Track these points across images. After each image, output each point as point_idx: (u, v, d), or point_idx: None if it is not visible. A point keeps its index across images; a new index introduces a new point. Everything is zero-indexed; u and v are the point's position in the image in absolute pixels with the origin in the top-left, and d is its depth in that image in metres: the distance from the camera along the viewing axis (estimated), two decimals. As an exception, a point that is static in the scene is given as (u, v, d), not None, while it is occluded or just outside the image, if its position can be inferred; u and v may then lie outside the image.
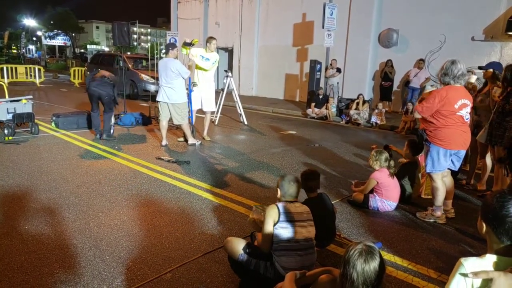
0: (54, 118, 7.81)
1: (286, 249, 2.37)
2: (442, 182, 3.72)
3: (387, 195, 3.99)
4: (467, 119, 3.59)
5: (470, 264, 1.39)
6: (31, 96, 7.40)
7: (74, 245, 3.08)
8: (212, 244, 3.18)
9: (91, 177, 4.81)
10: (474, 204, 4.40)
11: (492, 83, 4.67)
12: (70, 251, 2.98)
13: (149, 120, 8.76)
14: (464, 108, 3.51)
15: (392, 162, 4.11)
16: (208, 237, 3.30)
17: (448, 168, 3.75)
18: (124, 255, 2.95)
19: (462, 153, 3.71)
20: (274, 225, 2.39)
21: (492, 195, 1.45)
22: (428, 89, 9.09)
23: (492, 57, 10.17)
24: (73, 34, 56.22)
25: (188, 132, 6.74)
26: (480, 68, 5.10)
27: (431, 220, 3.80)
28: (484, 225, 1.46)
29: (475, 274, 1.35)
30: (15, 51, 55.10)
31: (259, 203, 3.97)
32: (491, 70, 4.74)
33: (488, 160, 4.76)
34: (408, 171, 4.33)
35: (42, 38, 53.28)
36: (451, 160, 3.69)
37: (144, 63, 15.36)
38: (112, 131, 7.01)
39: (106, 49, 57.01)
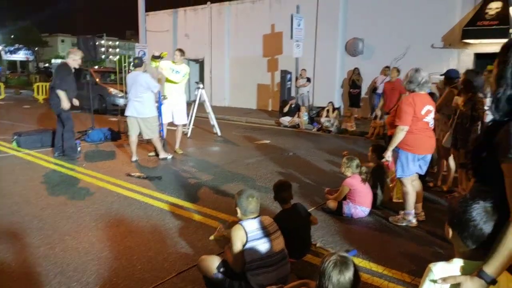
0: (15, 137, 7.43)
1: (260, 266, 2.32)
2: (412, 186, 3.82)
3: (360, 201, 4.03)
4: (431, 124, 3.73)
5: (438, 269, 1.42)
6: (-10, 115, 7.02)
7: (38, 273, 2.90)
8: (187, 262, 3.08)
9: (56, 198, 4.59)
10: (443, 206, 4.51)
11: (448, 87, 4.92)
12: (34, 280, 2.80)
13: (118, 135, 8.52)
14: (429, 114, 3.65)
15: (363, 168, 4.18)
16: (182, 256, 3.21)
17: (416, 172, 3.86)
18: (92, 281, 2.81)
19: (429, 157, 3.84)
20: (243, 245, 2.33)
21: (456, 200, 1.50)
22: None
23: (451, 63, 10.68)
24: (36, 49, 54.20)
25: (159, 146, 6.61)
26: (441, 75, 5.36)
27: (403, 224, 3.87)
28: (450, 230, 1.50)
29: (444, 279, 1.39)
30: (-28, 67, 52.47)
31: (233, 219, 3.92)
32: (448, 76, 5.02)
33: (451, 162, 4.95)
34: (377, 176, 4.41)
35: (2, 53, 51.06)
36: (418, 164, 3.79)
37: (112, 76, 15.02)
38: (78, 149, 6.77)
39: (73, 63, 55.22)
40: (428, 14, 11.14)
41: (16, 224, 3.78)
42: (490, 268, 1.33)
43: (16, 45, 51.27)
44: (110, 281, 2.81)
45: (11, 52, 52.25)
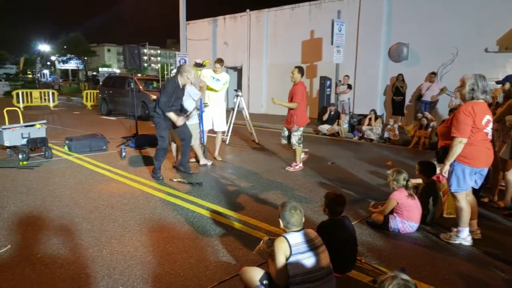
0: (67, 141, 7.87)
1: (304, 281, 2.24)
2: (467, 202, 3.54)
3: (408, 216, 3.81)
4: (490, 136, 3.46)
5: None
6: (45, 121, 7.47)
7: (86, 274, 2.99)
8: (228, 271, 3.06)
9: (103, 201, 4.76)
10: (501, 224, 4.19)
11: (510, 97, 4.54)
12: (82, 281, 2.89)
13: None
14: (489, 124, 3.39)
15: (409, 183, 3.93)
16: (224, 264, 3.19)
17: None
18: (137, 285, 2.85)
19: (485, 170, 3.55)
20: (287, 259, 2.26)
21: None
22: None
23: (508, 68, 9.96)
24: (85, 58, 57.98)
25: (199, 152, 6.70)
26: (497, 82, 4.98)
27: (457, 242, 3.60)
28: None
29: None
30: (30, 76, 57.11)
31: (273, 228, 3.86)
32: (508, 84, 4.63)
33: (511, 175, 4.54)
34: (429, 192, 4.13)
35: (56, 62, 55.06)
36: (474, 179, 3.51)
37: (155, 84, 15.58)
38: (123, 154, 7.06)
39: (118, 71, 58.54)
40: (481, 16, 10.49)
41: (67, 226, 3.96)
42: None
43: (68, 55, 55.41)
44: (154, 286, 2.84)
45: (64, 62, 56.54)
